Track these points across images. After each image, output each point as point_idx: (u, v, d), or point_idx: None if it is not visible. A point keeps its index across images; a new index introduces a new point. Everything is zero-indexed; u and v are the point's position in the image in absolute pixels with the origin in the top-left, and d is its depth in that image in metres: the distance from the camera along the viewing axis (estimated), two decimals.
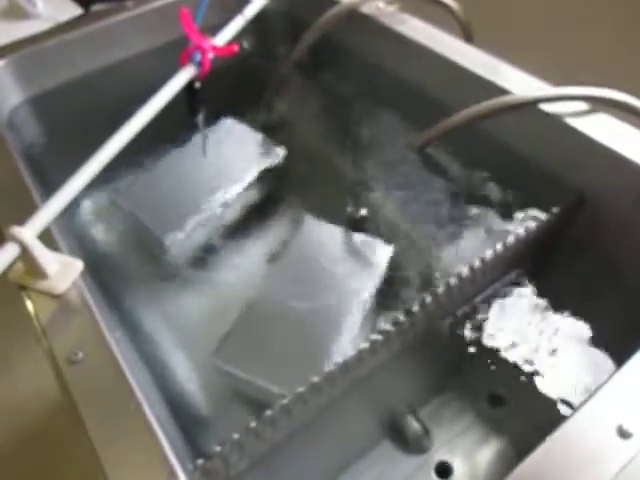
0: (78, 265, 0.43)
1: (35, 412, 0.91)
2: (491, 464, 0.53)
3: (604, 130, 0.50)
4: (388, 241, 0.56)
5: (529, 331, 0.54)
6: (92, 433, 0.34)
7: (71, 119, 0.67)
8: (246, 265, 0.60)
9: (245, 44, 0.71)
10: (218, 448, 0.38)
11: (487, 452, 0.54)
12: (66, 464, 0.82)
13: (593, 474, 0.31)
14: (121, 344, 0.40)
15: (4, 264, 0.40)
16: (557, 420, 0.33)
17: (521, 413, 0.55)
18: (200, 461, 0.37)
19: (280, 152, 0.66)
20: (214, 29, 0.58)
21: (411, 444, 0.54)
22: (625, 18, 0.86)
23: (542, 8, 0.94)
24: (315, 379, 0.41)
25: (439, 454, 0.54)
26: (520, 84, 0.55)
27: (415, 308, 0.44)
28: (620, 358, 0.36)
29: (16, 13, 0.98)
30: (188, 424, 0.45)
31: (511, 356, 0.53)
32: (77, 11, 1.00)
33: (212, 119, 0.66)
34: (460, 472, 0.53)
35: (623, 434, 0.32)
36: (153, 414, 0.36)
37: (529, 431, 0.52)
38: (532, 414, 0.53)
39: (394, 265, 0.54)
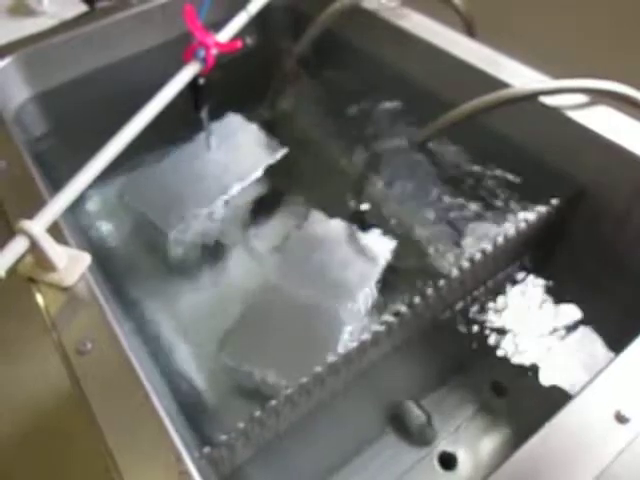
0: (86, 258, 0.44)
1: (44, 403, 0.92)
2: (495, 454, 0.53)
3: (604, 122, 0.50)
4: (390, 234, 0.57)
5: (531, 321, 0.55)
6: (101, 422, 0.35)
7: (77, 115, 0.68)
8: (250, 259, 0.61)
9: (248, 40, 0.72)
10: (224, 437, 0.39)
11: (491, 442, 0.54)
12: (75, 453, 0.83)
13: (591, 458, 0.31)
14: (128, 335, 0.41)
15: (14, 257, 0.40)
16: (559, 408, 0.34)
17: (524, 402, 0.55)
18: (207, 449, 0.38)
19: (283, 147, 0.66)
20: (217, 25, 0.58)
21: (414, 435, 0.54)
22: (626, 12, 0.86)
23: (544, 1, 0.94)
24: (318, 369, 0.42)
25: (443, 445, 0.54)
26: (522, 78, 0.55)
27: (417, 300, 0.45)
28: (620, 347, 0.37)
29: (22, 10, 0.99)
30: (194, 414, 0.46)
31: (513, 346, 0.54)
32: (82, 8, 1.01)
33: (216, 115, 0.67)
34: (464, 462, 0.53)
35: (621, 419, 0.32)
36: (160, 404, 0.36)
37: (533, 420, 0.53)
38: (535, 403, 0.53)
39: (396, 258, 0.55)
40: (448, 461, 0.53)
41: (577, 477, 0.31)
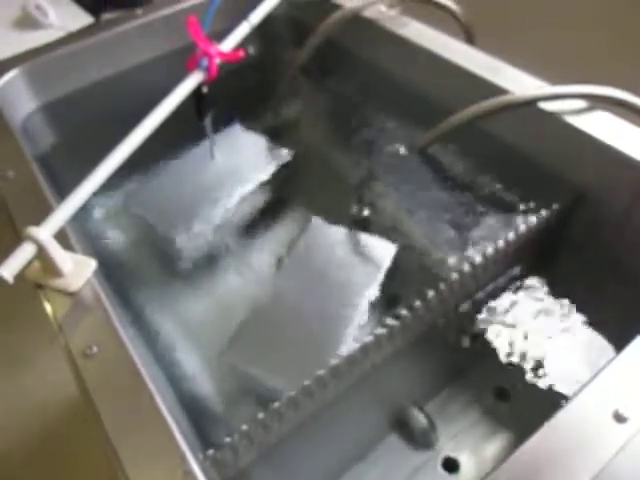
0: (91, 264, 0.44)
1: (51, 405, 0.92)
2: (498, 458, 0.53)
3: (603, 127, 0.50)
4: (391, 240, 0.57)
5: (532, 325, 0.55)
6: (107, 424, 0.35)
7: (83, 124, 0.69)
8: (254, 265, 0.61)
9: (251, 49, 0.72)
10: (228, 439, 0.39)
11: (494, 446, 0.54)
12: (81, 454, 0.84)
13: (589, 458, 0.31)
14: (133, 339, 0.41)
15: (22, 263, 0.41)
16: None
17: (526, 407, 0.55)
18: (210, 451, 0.38)
19: (285, 155, 0.67)
20: (220, 35, 0.59)
21: (417, 439, 0.54)
22: (623, 18, 0.87)
23: (542, 9, 0.95)
24: (321, 372, 0.42)
25: (446, 449, 0.54)
26: (521, 84, 0.56)
27: (417, 303, 0.45)
28: (622, 348, 0.37)
29: (29, 23, 1.00)
30: (198, 417, 0.46)
31: (514, 350, 0.54)
32: (88, 20, 1.02)
33: (219, 123, 0.67)
34: (467, 466, 0.53)
35: (619, 418, 0.33)
36: (165, 406, 0.37)
37: (535, 424, 0.53)
38: (537, 407, 0.54)
39: (397, 263, 0.55)
40: (451, 465, 0.53)
41: (576, 476, 0.31)
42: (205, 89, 0.57)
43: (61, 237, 0.44)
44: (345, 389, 0.45)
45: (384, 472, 0.53)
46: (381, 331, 0.44)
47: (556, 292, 0.55)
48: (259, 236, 0.65)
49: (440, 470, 0.53)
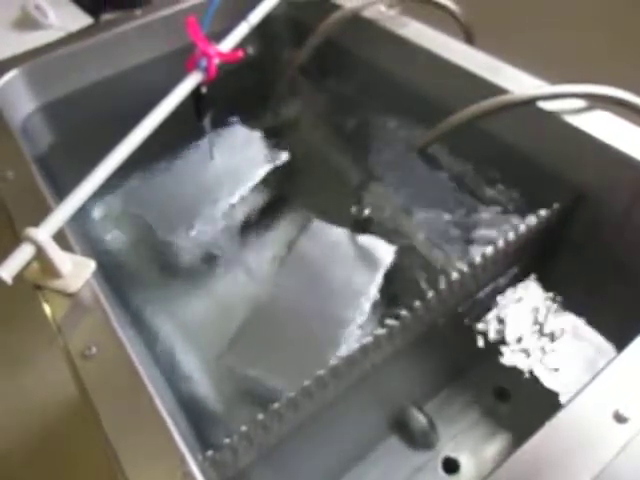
0: (91, 265, 0.44)
1: (50, 406, 0.92)
2: (498, 458, 0.53)
3: (602, 127, 0.50)
4: (391, 240, 0.57)
5: (532, 325, 0.55)
6: (106, 425, 0.35)
7: (83, 125, 0.69)
8: (253, 266, 0.61)
9: (250, 49, 0.72)
10: (227, 440, 0.39)
11: (494, 447, 0.54)
12: (80, 456, 0.84)
13: (590, 458, 0.31)
14: (132, 340, 0.41)
15: (20, 264, 0.41)
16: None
17: (526, 407, 0.55)
18: (210, 452, 0.38)
19: (285, 155, 0.67)
20: (219, 35, 0.59)
21: (417, 439, 0.54)
22: (623, 18, 0.87)
23: (542, 9, 0.95)
24: (321, 373, 0.42)
25: (446, 449, 0.54)
26: (520, 83, 0.56)
27: (417, 303, 0.45)
28: (622, 349, 0.37)
29: (28, 24, 1.00)
30: (197, 418, 0.46)
31: (515, 350, 0.54)
32: (87, 20, 1.02)
33: (218, 123, 0.67)
34: (467, 467, 0.53)
35: (619, 419, 0.33)
36: (164, 407, 0.37)
37: (536, 425, 0.53)
38: (537, 407, 0.54)
39: (397, 263, 0.55)
40: (451, 465, 0.53)
41: (576, 476, 0.31)
42: (204, 89, 0.57)
43: (60, 238, 0.44)
44: (345, 389, 0.45)
45: (384, 472, 0.53)
46: (381, 331, 0.44)
47: (556, 292, 0.55)
48: (259, 236, 0.65)
49: (440, 471, 0.53)
